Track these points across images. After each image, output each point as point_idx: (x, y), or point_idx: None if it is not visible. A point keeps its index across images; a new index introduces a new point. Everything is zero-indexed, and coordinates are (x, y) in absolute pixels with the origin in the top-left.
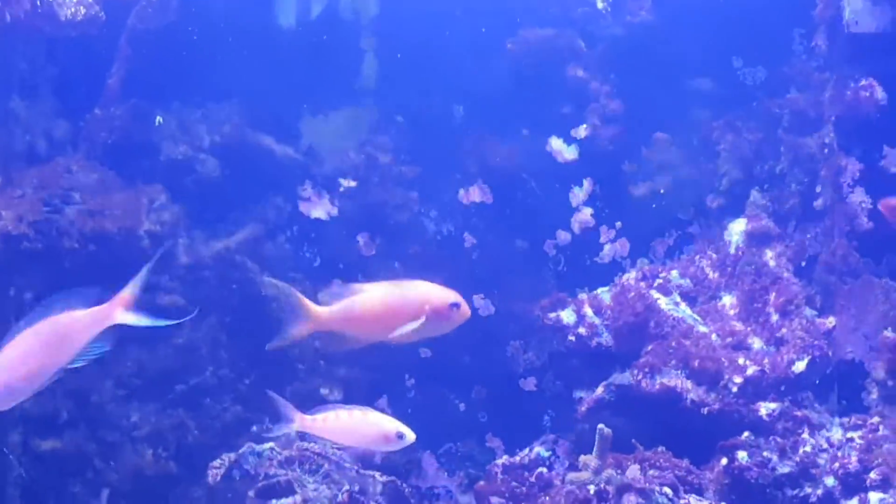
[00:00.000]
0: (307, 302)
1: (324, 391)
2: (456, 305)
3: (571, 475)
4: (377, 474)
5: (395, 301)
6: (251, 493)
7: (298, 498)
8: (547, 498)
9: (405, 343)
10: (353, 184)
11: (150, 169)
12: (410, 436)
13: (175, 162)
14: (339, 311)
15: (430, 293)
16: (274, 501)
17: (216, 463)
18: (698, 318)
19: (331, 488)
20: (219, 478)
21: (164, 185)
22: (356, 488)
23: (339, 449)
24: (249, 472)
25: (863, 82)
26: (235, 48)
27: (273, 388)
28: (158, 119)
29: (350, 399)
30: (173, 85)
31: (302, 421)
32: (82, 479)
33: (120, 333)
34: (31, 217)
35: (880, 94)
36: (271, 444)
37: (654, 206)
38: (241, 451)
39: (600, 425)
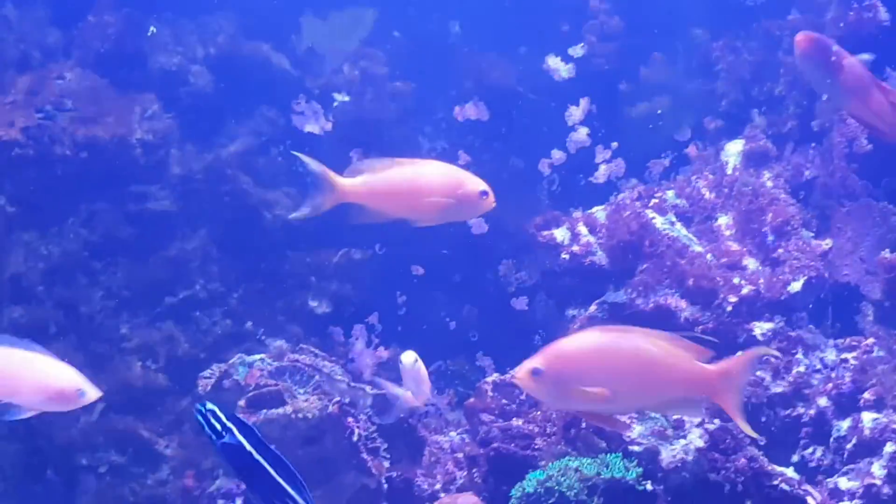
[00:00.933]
0: (333, 174)
1: (313, 303)
2: (485, 193)
3: None
4: (367, 387)
5: (426, 179)
6: (241, 403)
7: (289, 408)
8: (538, 413)
9: (424, 224)
10: (346, 98)
11: (143, 79)
12: None
13: (168, 73)
14: (367, 184)
15: (462, 176)
16: (264, 412)
17: (206, 373)
18: (693, 238)
19: (321, 399)
20: (209, 388)
21: (157, 95)
22: (346, 400)
23: (329, 361)
24: (239, 383)
25: (866, 2)
26: None
27: (264, 302)
28: (152, 29)
29: (338, 314)
30: None
31: None
32: None
33: (111, 247)
34: (22, 123)
35: (883, 14)
36: (262, 355)
37: (650, 126)
38: (231, 361)
39: None
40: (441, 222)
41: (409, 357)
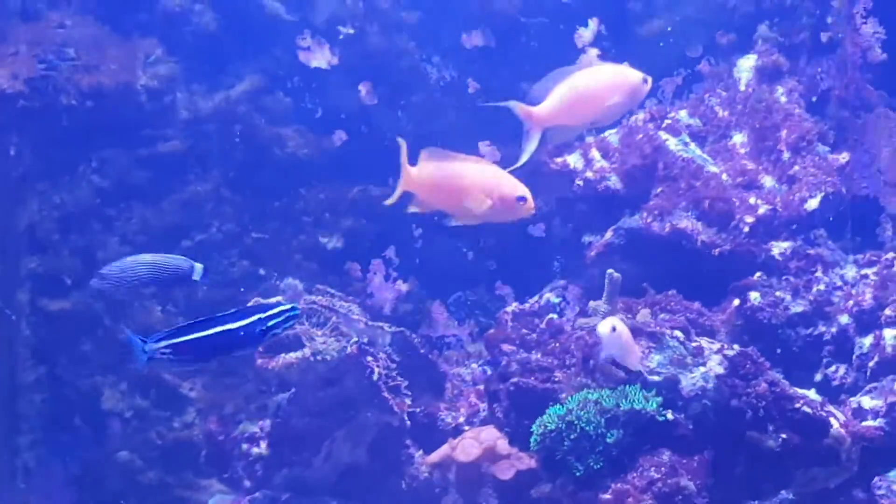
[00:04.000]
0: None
1: (328, 241)
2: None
3: (581, 321)
4: (385, 325)
5: (603, 83)
6: (260, 349)
7: (307, 351)
8: (557, 345)
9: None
10: (351, 31)
11: (147, 22)
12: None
13: (171, 14)
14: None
15: (631, 74)
16: (283, 355)
17: None
18: (708, 159)
19: (339, 341)
20: None
21: (160, 38)
22: (365, 340)
23: (346, 301)
24: None
25: None
26: None
27: (280, 241)
28: None
29: (354, 250)
30: None
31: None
32: (93, 337)
33: (124, 193)
34: (26, 74)
35: None
36: (279, 297)
37: (661, 44)
38: (248, 305)
39: (609, 270)
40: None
41: (604, 327)
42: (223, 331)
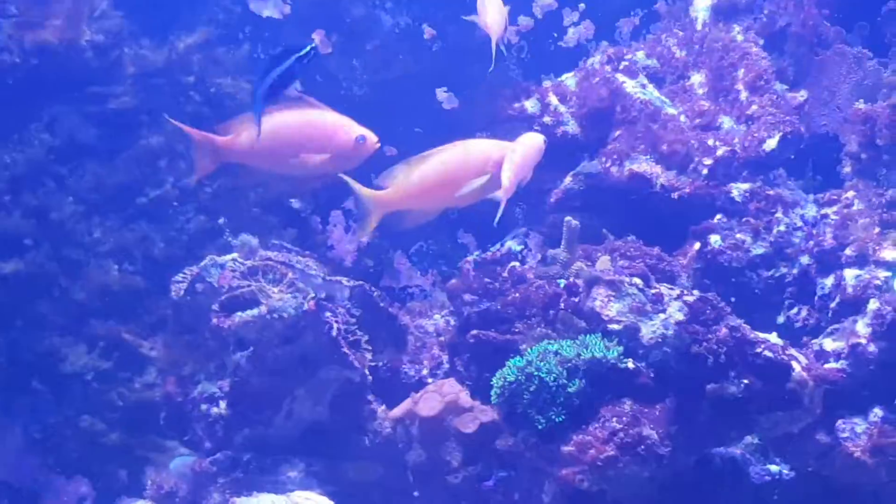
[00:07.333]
0: (368, 191)
1: (294, 204)
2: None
3: (540, 270)
4: (344, 280)
5: (456, 166)
6: (215, 307)
7: (263, 309)
8: (517, 295)
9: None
10: None
11: None
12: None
13: None
14: (400, 191)
15: (489, 150)
16: (239, 314)
17: (178, 277)
18: (666, 100)
19: (296, 297)
20: (182, 292)
21: None
22: (323, 295)
23: (303, 256)
24: (213, 285)
25: None
26: None
27: (237, 195)
28: None
29: (314, 202)
30: None
31: None
32: (49, 298)
33: (76, 151)
34: None
35: None
36: (234, 254)
37: None
38: (203, 263)
39: (567, 218)
40: (483, 197)
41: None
42: None
